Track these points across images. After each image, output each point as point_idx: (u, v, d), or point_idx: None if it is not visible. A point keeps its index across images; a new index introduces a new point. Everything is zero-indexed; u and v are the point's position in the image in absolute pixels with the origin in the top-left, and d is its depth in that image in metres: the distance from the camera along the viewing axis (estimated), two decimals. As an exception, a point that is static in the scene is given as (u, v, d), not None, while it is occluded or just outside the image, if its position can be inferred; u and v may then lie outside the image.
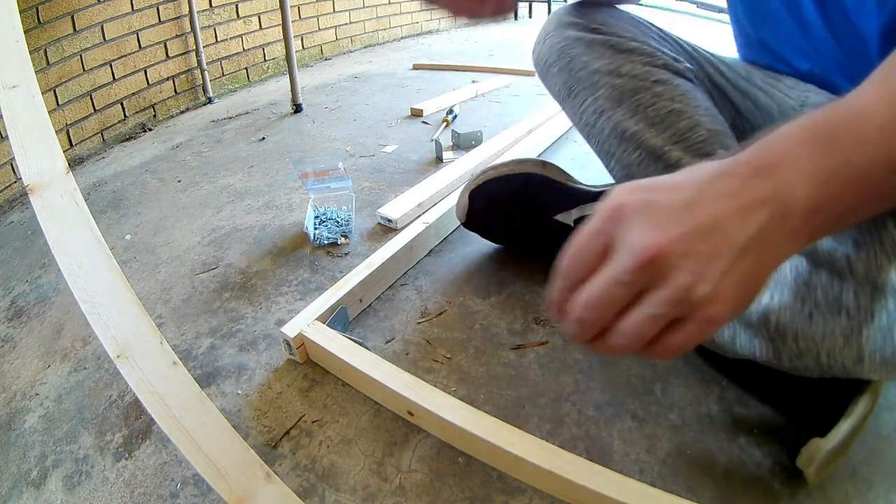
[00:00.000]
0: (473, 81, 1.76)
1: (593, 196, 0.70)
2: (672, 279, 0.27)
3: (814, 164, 0.29)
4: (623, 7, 0.66)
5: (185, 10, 1.59)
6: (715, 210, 0.28)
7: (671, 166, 0.54)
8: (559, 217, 0.70)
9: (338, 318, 0.65)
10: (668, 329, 0.28)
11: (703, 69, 0.64)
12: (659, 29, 0.65)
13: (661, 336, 0.29)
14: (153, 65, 1.56)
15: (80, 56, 1.34)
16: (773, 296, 0.43)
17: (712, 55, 0.67)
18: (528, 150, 1.12)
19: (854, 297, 0.39)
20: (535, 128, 1.22)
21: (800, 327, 0.42)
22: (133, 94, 1.51)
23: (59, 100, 1.30)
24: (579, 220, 0.69)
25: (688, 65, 0.61)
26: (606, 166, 0.63)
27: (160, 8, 1.53)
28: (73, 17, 1.31)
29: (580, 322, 0.30)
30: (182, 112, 1.67)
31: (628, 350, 0.29)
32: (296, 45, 1.92)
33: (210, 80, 1.73)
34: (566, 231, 0.69)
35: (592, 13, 0.62)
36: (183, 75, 1.66)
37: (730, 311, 0.28)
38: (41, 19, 1.23)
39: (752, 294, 0.29)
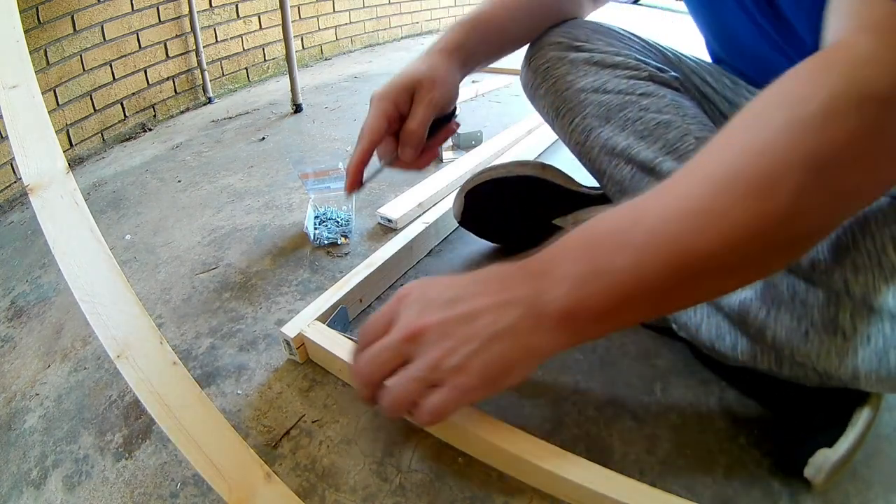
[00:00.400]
0: (473, 81, 1.75)
1: (593, 199, 0.70)
2: (428, 352, 0.36)
3: (573, 269, 0.35)
4: (620, 6, 0.67)
5: (185, 10, 1.59)
6: (474, 305, 0.36)
7: (664, 177, 0.54)
8: (557, 221, 0.70)
9: (338, 318, 0.65)
10: (428, 392, 0.36)
11: (689, 79, 0.64)
12: (642, 39, 0.64)
13: (423, 398, 0.36)
14: (153, 65, 1.56)
15: (80, 56, 1.34)
16: (770, 311, 0.43)
17: (698, 64, 0.67)
18: (528, 150, 1.12)
19: (850, 319, 0.39)
20: (535, 128, 1.22)
21: (796, 345, 0.42)
22: (133, 94, 1.51)
23: (59, 100, 1.30)
24: (578, 224, 0.69)
25: (674, 73, 0.60)
26: (600, 183, 0.63)
27: (160, 8, 1.53)
28: (73, 17, 1.30)
29: (359, 375, 0.39)
30: (182, 112, 1.67)
31: (398, 407, 0.38)
32: (296, 45, 1.92)
33: (210, 80, 1.72)
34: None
35: (574, 30, 0.62)
36: (183, 75, 1.66)
37: (477, 383, 0.35)
38: (41, 19, 1.23)
39: (503, 373, 0.36)
